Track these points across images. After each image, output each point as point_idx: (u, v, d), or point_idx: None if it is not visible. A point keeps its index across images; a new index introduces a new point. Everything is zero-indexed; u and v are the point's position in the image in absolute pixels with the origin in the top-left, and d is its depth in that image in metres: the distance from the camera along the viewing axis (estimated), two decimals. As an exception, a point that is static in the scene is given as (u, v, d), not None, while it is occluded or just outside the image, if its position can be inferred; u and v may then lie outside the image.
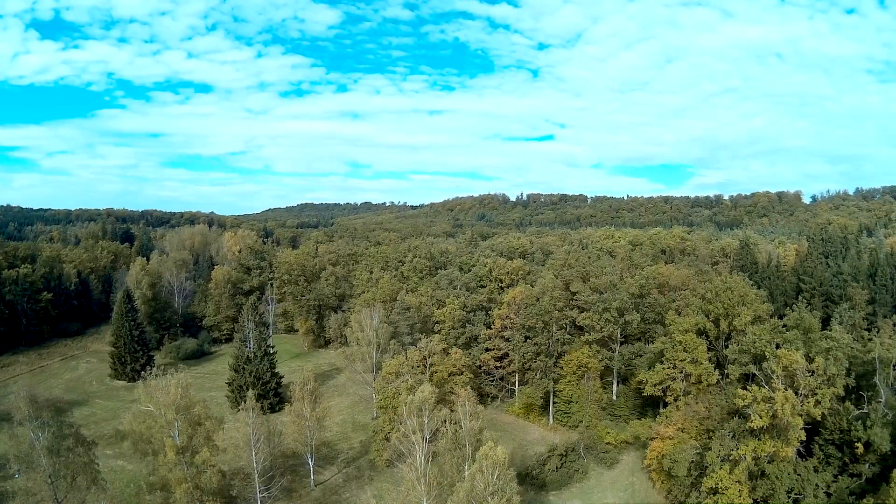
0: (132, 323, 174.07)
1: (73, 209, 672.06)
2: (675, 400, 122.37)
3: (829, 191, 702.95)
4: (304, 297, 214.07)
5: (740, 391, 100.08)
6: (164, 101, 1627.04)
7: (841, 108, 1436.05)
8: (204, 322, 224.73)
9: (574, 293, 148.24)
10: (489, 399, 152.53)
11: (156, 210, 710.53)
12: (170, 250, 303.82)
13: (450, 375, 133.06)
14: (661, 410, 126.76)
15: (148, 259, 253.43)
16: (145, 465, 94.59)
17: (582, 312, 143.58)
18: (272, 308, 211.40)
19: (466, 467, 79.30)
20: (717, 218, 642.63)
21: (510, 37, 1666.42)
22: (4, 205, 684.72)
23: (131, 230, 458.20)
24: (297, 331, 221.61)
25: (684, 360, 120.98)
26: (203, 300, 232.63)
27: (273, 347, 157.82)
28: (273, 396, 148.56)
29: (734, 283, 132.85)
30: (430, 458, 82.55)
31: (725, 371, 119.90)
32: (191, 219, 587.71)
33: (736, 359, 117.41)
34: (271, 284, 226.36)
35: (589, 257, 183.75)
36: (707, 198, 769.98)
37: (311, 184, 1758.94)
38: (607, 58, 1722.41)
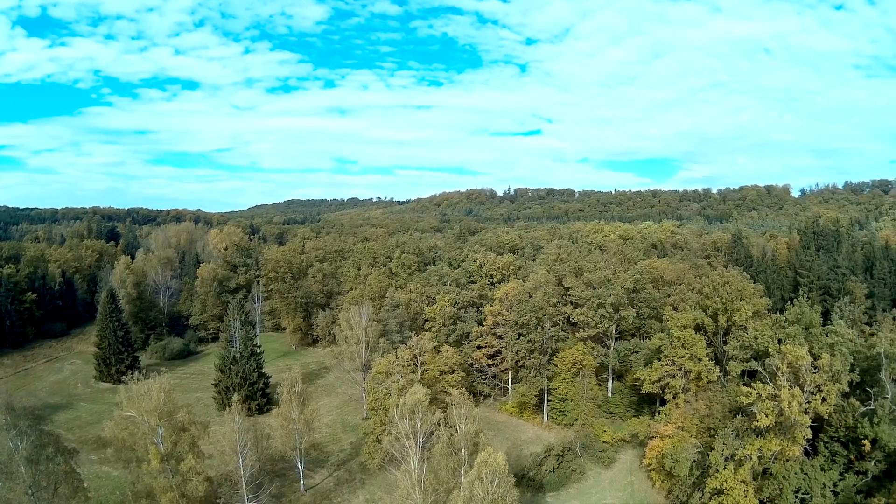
0: (116, 323, 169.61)
1: (59, 208, 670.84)
2: (674, 397, 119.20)
3: (817, 184, 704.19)
4: (291, 294, 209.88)
5: (744, 388, 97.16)
6: (151, 98, 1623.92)
7: (828, 102, 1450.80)
8: (190, 321, 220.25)
9: (567, 288, 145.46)
10: (482, 397, 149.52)
11: (142, 208, 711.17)
12: (155, 248, 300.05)
13: (441, 374, 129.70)
14: (661, 408, 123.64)
15: (133, 258, 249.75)
16: (129, 473, 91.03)
17: (576, 308, 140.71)
18: (259, 306, 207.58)
19: (463, 472, 76.08)
20: (706, 212, 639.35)
21: (498, 32, 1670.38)
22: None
23: (116, 228, 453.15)
24: (284, 329, 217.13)
25: (683, 356, 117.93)
26: (189, 299, 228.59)
27: (260, 347, 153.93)
28: (261, 397, 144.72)
29: (732, 278, 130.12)
30: (425, 462, 79.40)
31: (726, 368, 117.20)
32: (177, 216, 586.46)
33: (736, 355, 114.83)
34: (258, 282, 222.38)
35: (580, 252, 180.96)
36: (695, 191, 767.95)
37: (298, 180, 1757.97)
38: (595, 53, 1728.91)
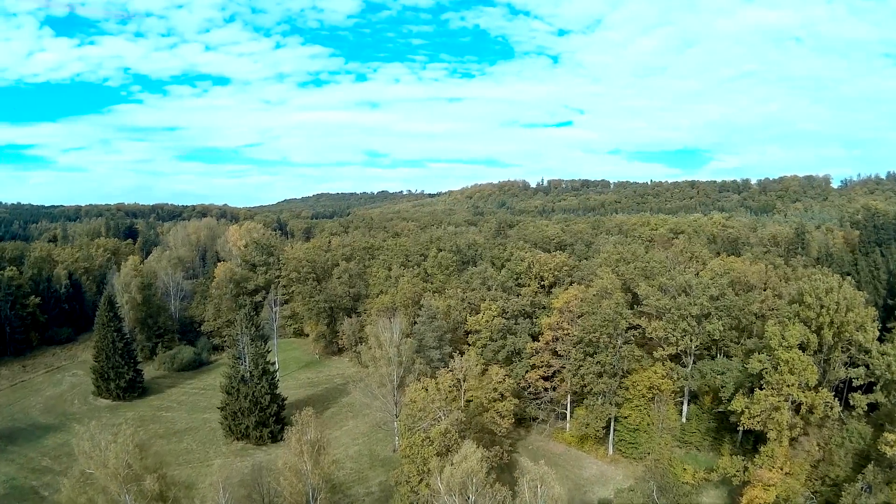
0: (116, 334, 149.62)
1: (83, 205, 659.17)
2: (779, 434, 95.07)
3: (859, 174, 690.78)
4: (314, 298, 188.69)
5: (889, 436, 74.85)
6: (181, 95, 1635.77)
7: (856, 91, 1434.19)
8: (203, 327, 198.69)
9: (636, 296, 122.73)
10: (534, 422, 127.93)
11: (167, 204, 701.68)
12: (174, 246, 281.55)
13: (490, 402, 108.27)
14: (762, 448, 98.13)
15: (147, 255, 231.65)
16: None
17: (651, 321, 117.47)
18: (276, 311, 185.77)
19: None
20: (748, 203, 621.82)
21: (530, 23, 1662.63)
22: (15, 203, 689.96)
23: (135, 225, 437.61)
24: (307, 335, 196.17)
25: (792, 384, 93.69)
26: (202, 302, 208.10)
27: (274, 364, 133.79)
28: (274, 423, 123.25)
29: (836, 283, 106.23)
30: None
31: (848, 400, 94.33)
32: (203, 212, 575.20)
33: (862, 383, 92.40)
34: (278, 283, 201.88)
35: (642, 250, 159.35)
36: (734, 182, 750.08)
37: (328, 174, 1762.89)
38: (626, 43, 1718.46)
